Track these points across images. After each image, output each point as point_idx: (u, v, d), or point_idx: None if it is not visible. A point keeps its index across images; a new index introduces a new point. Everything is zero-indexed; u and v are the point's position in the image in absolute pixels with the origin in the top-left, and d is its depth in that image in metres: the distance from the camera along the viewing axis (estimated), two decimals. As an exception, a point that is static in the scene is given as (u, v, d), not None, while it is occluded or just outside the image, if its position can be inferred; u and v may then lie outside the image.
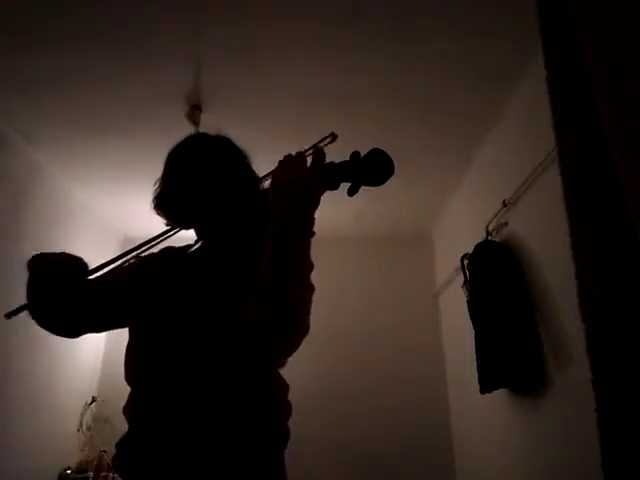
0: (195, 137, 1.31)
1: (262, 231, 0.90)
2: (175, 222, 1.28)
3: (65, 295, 1.08)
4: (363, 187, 0.87)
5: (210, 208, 1.13)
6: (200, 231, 1.22)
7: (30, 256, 1.12)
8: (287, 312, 0.88)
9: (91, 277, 1.12)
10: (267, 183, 0.95)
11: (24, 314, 1.05)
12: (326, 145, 0.96)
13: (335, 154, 0.93)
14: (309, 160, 0.89)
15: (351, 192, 0.87)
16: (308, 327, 0.92)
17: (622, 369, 0.76)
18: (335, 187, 0.88)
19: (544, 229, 2.13)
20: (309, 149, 0.93)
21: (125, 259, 1.09)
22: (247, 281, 0.95)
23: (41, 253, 1.12)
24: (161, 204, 1.28)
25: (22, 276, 1.12)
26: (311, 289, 0.91)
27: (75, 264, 1.10)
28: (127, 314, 1.17)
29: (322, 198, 0.90)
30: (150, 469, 0.98)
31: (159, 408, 1.01)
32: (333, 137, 0.96)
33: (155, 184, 1.29)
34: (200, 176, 1.19)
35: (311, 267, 0.88)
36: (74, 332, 1.23)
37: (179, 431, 0.98)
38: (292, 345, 0.93)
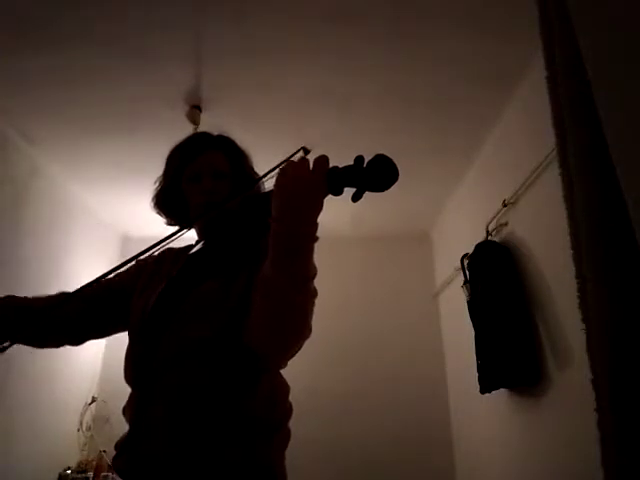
0: (197, 136, 1.31)
1: (264, 233, 0.90)
2: (175, 221, 1.28)
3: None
4: (367, 192, 0.86)
5: (212, 208, 1.12)
6: (201, 232, 1.22)
7: None
8: (290, 316, 0.88)
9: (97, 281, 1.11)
10: (269, 185, 0.94)
11: None
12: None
13: (334, 154, 0.93)
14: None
15: (355, 198, 0.86)
16: (310, 331, 0.92)
17: (622, 369, 0.75)
18: (339, 193, 0.87)
19: (544, 229, 2.13)
20: (279, 165, 0.92)
21: (127, 264, 1.09)
22: (249, 283, 0.95)
23: None
24: (161, 203, 1.28)
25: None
26: (314, 294, 0.91)
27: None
28: (128, 316, 1.17)
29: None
30: (150, 470, 0.98)
31: (159, 409, 1.01)
32: (305, 151, 0.95)
33: (155, 182, 1.29)
34: (202, 175, 1.19)
35: (314, 272, 0.88)
36: (78, 341, 1.24)
37: (179, 432, 0.98)
38: (293, 348, 0.93)
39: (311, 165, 0.86)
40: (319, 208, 0.85)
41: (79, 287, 1.10)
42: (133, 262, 1.25)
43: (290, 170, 0.85)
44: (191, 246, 1.23)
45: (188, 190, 1.21)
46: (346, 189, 0.88)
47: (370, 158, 0.86)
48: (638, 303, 0.77)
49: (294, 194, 0.84)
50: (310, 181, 0.84)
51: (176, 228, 1.31)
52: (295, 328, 0.89)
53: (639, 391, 0.74)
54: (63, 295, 1.17)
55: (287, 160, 0.93)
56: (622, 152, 0.77)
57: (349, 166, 0.87)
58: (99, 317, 1.20)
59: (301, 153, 0.95)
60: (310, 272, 0.87)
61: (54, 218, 3.16)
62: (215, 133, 1.29)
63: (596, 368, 0.80)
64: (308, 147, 0.96)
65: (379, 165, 0.84)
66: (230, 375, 1.01)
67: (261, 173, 1.12)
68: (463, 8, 1.93)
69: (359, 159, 0.86)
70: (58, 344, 1.23)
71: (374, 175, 0.84)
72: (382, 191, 0.85)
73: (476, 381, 2.44)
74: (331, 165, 0.88)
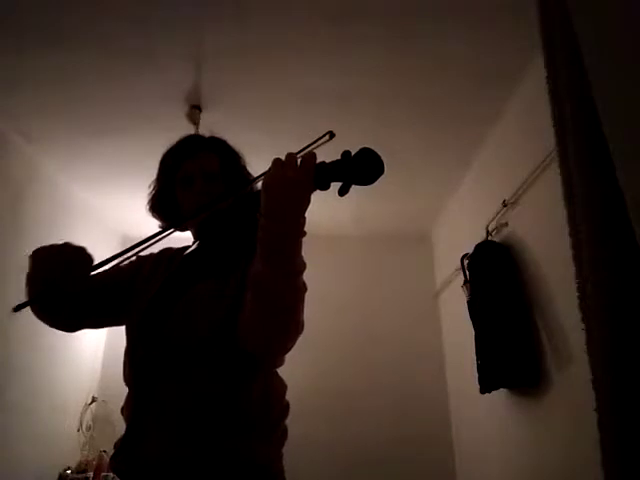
0: (189, 138, 1.30)
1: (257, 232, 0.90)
2: (171, 224, 1.28)
3: (72, 289, 1.07)
4: (354, 187, 0.86)
5: (205, 210, 1.12)
6: (196, 233, 1.22)
7: (31, 250, 1.10)
8: (279, 312, 0.88)
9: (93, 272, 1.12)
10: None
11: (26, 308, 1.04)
12: (323, 144, 0.95)
13: (334, 153, 0.93)
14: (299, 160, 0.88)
15: (342, 192, 0.86)
16: (302, 326, 0.92)
17: (622, 369, 0.76)
18: (326, 187, 0.87)
19: (544, 229, 2.13)
20: (305, 148, 0.92)
21: (124, 257, 1.09)
22: (243, 282, 0.95)
23: (43, 247, 1.10)
24: (156, 207, 1.28)
25: (22, 274, 1.13)
26: (303, 288, 0.91)
27: (80, 258, 1.07)
28: (125, 312, 1.17)
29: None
30: (147, 469, 0.98)
31: (156, 408, 1.01)
32: (330, 135, 0.95)
33: (149, 186, 1.29)
34: (195, 177, 1.19)
35: (303, 267, 0.88)
36: (73, 326, 1.24)
37: (176, 431, 0.98)
38: (286, 344, 0.93)
39: (298, 161, 0.86)
40: (306, 203, 0.85)
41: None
42: (134, 257, 1.27)
43: (277, 166, 0.85)
44: (188, 246, 1.23)
45: (181, 194, 1.21)
46: (333, 184, 0.87)
47: (355, 152, 0.85)
48: (638, 303, 0.77)
49: (281, 190, 0.83)
50: (297, 176, 0.83)
51: (169, 229, 1.32)
52: (285, 323, 0.89)
53: (639, 391, 0.74)
54: None
55: (312, 144, 0.93)
56: (622, 152, 0.77)
57: (336, 161, 0.87)
58: (100, 306, 1.21)
59: (327, 138, 0.95)
60: (298, 267, 0.87)
61: (54, 218, 3.16)
62: (207, 135, 1.30)
63: (596, 368, 0.80)
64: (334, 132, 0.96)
65: (364, 158, 0.84)
66: (226, 374, 1.01)
67: (259, 172, 1.12)
68: (463, 8, 1.93)
69: (346, 154, 0.86)
70: (56, 322, 1.21)
71: (360, 169, 0.84)
72: (368, 184, 0.85)
73: (476, 381, 2.44)
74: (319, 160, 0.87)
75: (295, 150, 0.89)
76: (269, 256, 0.85)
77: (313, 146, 0.95)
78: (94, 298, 1.19)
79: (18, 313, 1.00)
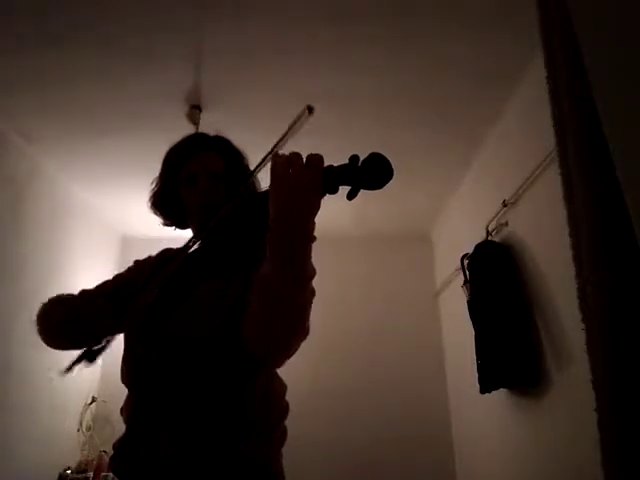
0: (194, 137, 1.31)
1: (260, 232, 0.90)
2: (172, 222, 1.28)
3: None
4: (362, 191, 0.87)
5: (208, 208, 1.12)
6: (198, 232, 1.22)
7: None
8: (288, 317, 0.87)
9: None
10: (266, 185, 0.94)
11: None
12: (305, 120, 0.95)
13: (333, 153, 0.93)
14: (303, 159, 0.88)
15: (350, 196, 0.86)
16: (308, 331, 0.92)
17: (622, 369, 0.75)
18: (334, 191, 0.87)
19: (544, 229, 2.13)
20: (290, 128, 0.92)
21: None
22: (247, 283, 0.95)
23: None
24: (158, 204, 1.28)
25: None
26: (312, 294, 0.91)
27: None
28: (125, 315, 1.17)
29: (323, 199, 0.90)
30: (147, 470, 0.98)
31: (155, 409, 1.01)
32: (309, 109, 0.95)
33: (152, 183, 1.29)
34: (198, 177, 1.19)
35: (313, 273, 0.88)
36: (99, 341, 1.23)
37: (175, 431, 0.98)
38: (291, 348, 0.92)
39: (304, 161, 0.86)
40: (316, 208, 0.85)
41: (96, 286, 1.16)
42: (132, 263, 1.27)
43: (286, 169, 0.85)
44: (189, 246, 1.23)
45: (184, 191, 1.21)
46: (341, 187, 0.88)
47: (365, 157, 0.86)
48: (638, 303, 0.77)
49: (291, 194, 0.83)
50: (306, 181, 0.83)
51: (176, 230, 1.32)
52: (293, 329, 0.89)
53: (639, 391, 0.74)
54: (87, 293, 1.20)
55: (294, 124, 0.93)
56: (622, 152, 0.78)
57: (344, 165, 0.87)
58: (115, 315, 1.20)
59: (306, 114, 0.95)
60: (308, 272, 0.87)
61: (54, 218, 3.16)
62: (212, 134, 1.30)
63: (596, 368, 0.80)
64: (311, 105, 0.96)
65: (374, 163, 0.85)
66: (226, 375, 1.01)
67: (259, 174, 1.11)
68: (463, 8, 1.93)
69: (354, 158, 0.86)
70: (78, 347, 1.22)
71: (369, 173, 0.85)
72: (377, 189, 0.85)
73: (476, 381, 2.44)
74: (326, 164, 0.88)
75: (280, 133, 0.89)
76: (278, 261, 0.85)
77: (296, 125, 0.95)
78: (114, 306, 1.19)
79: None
